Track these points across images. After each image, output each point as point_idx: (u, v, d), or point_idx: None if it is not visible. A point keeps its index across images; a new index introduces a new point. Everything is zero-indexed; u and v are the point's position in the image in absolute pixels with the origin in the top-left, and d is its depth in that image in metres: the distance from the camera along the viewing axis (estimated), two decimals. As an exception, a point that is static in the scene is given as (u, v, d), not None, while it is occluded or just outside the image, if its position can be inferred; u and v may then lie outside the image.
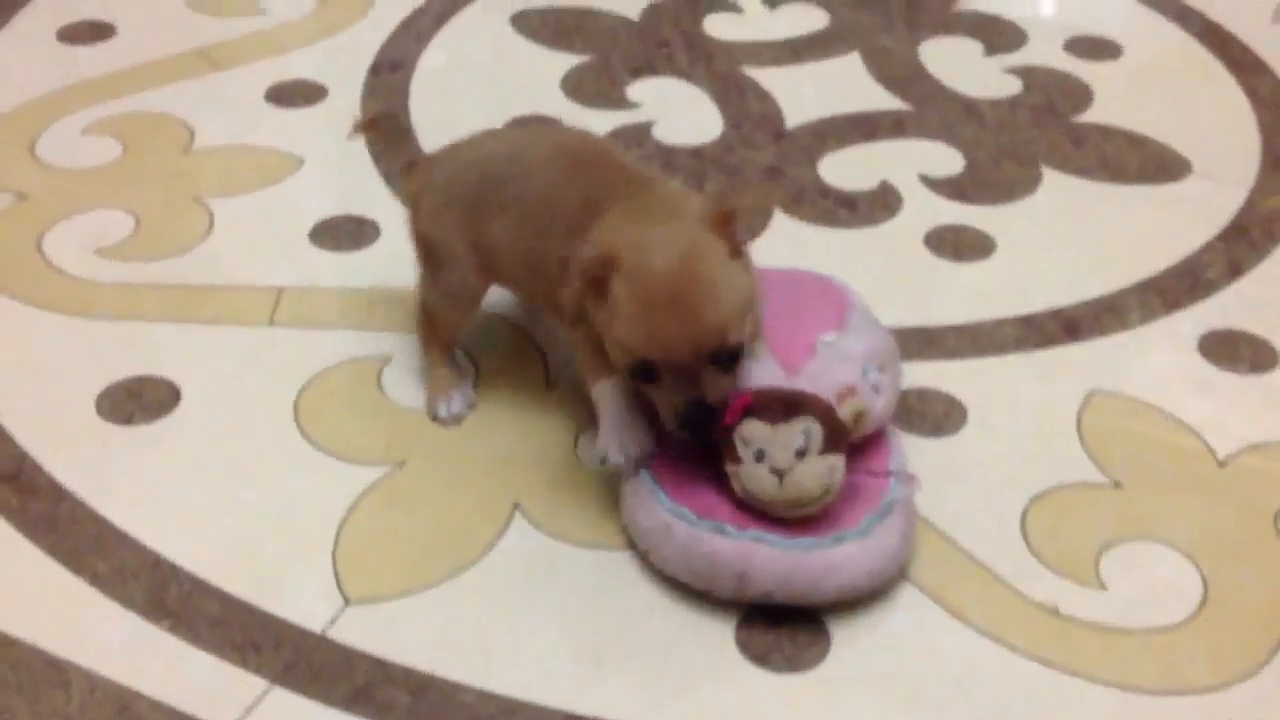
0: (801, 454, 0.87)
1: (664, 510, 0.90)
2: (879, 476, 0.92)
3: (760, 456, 0.88)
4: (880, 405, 0.95)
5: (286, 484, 0.99)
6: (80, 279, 1.17)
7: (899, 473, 0.93)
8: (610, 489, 0.98)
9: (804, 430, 0.87)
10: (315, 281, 1.18)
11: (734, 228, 0.89)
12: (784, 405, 0.88)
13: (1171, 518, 0.97)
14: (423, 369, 1.07)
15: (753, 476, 0.88)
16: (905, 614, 0.90)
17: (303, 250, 1.22)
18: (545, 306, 1.04)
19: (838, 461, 0.88)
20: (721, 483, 0.90)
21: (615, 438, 0.94)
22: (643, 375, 0.89)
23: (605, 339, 0.90)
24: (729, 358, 0.88)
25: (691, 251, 0.87)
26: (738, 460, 0.88)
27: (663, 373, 0.88)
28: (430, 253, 1.04)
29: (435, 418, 1.04)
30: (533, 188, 0.98)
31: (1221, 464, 1.01)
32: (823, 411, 0.88)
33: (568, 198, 0.95)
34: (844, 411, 0.90)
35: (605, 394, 0.95)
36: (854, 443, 0.91)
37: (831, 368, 0.94)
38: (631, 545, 0.94)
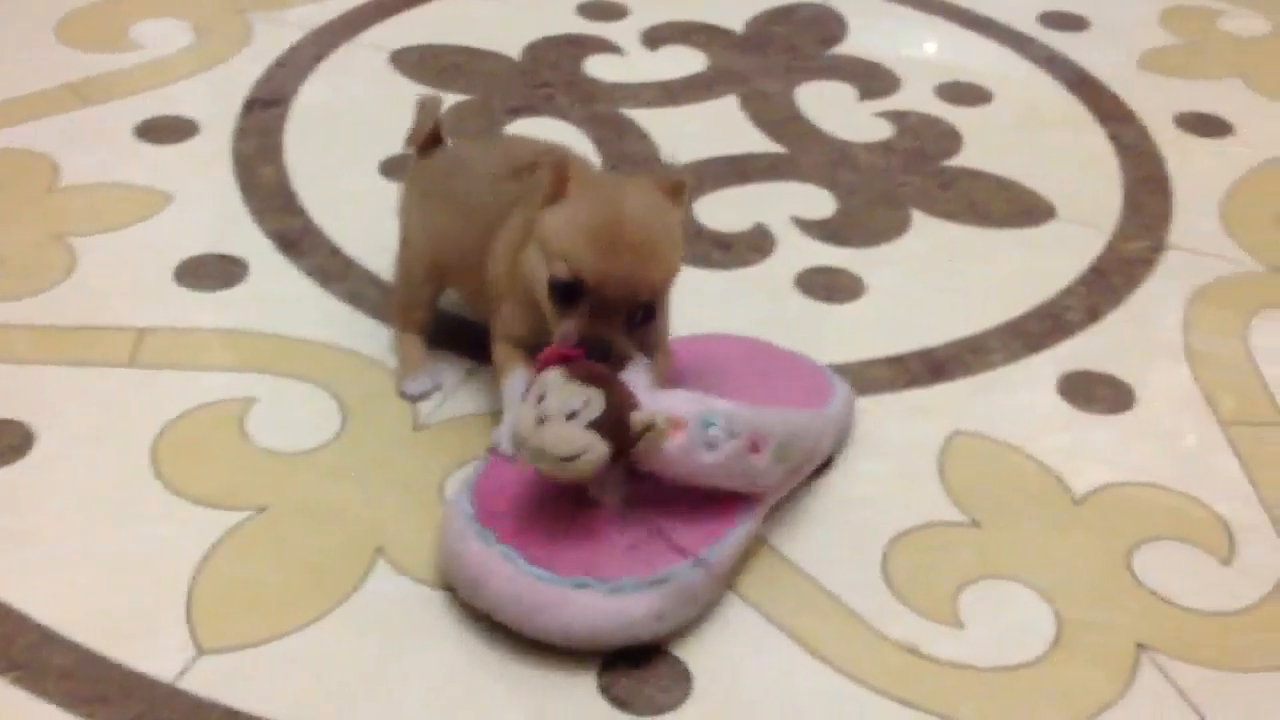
0: (571, 417, 0.86)
1: (459, 513, 0.92)
2: (677, 552, 0.90)
3: (540, 399, 0.88)
4: (703, 459, 0.89)
5: (142, 530, 0.96)
6: (-66, 319, 1.14)
7: (702, 560, 0.90)
8: (475, 532, 0.97)
9: (587, 399, 0.86)
10: (180, 322, 1.16)
11: (685, 199, 0.95)
12: (588, 373, 0.88)
13: (1028, 556, 0.98)
14: (393, 345, 1.13)
15: (523, 412, 0.88)
16: (767, 655, 0.90)
17: (168, 290, 1.19)
18: (477, 305, 1.08)
19: (600, 446, 0.85)
20: (542, 513, 0.90)
21: (509, 430, 0.94)
22: (563, 293, 0.91)
23: (544, 247, 0.92)
24: (644, 316, 0.92)
25: (654, 203, 0.92)
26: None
27: (584, 303, 0.90)
28: (400, 229, 1.13)
29: (402, 394, 1.08)
30: (473, 184, 1.05)
31: (1078, 503, 1.03)
32: (617, 398, 0.87)
33: (502, 194, 1.01)
34: (638, 419, 0.87)
35: (512, 385, 0.97)
36: (689, 520, 0.91)
37: (688, 399, 0.90)
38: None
